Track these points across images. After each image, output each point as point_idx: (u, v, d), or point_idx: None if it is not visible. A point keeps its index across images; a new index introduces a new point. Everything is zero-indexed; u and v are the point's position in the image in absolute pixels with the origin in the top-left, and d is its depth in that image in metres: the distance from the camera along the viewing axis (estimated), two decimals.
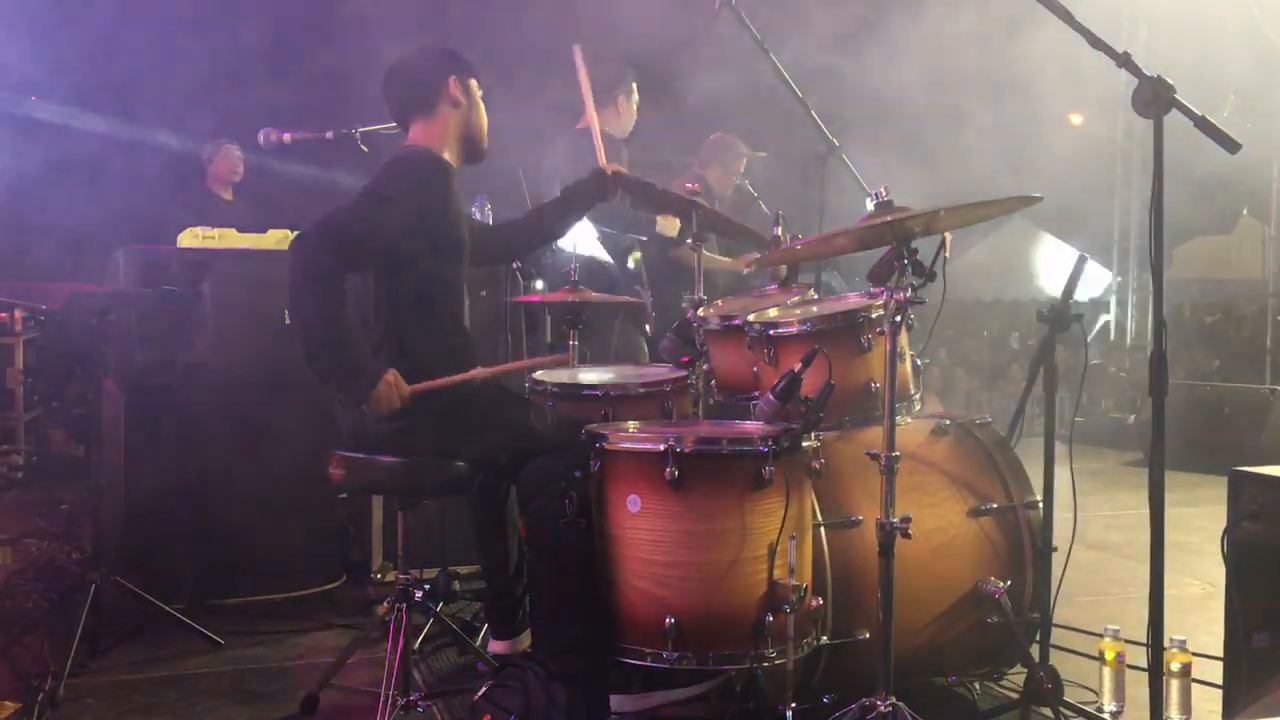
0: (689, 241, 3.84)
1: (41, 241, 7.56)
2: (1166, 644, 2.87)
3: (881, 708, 2.70)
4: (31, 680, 3.43)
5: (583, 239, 4.69)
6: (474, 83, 3.34)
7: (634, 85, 5.36)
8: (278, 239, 4.71)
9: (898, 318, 2.72)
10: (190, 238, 4.70)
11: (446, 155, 3.26)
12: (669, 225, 5.03)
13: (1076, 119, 12.82)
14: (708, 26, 4.83)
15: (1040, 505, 3.24)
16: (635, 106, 5.38)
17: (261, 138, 3.69)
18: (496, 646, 3.54)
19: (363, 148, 3.43)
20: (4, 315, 6.81)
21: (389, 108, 3.34)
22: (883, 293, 2.76)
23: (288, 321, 4.12)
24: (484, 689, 2.83)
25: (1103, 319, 11.32)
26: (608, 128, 5.27)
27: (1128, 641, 3.17)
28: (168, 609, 3.94)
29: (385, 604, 3.15)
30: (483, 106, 3.38)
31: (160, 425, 4.34)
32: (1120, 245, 11.45)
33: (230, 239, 4.70)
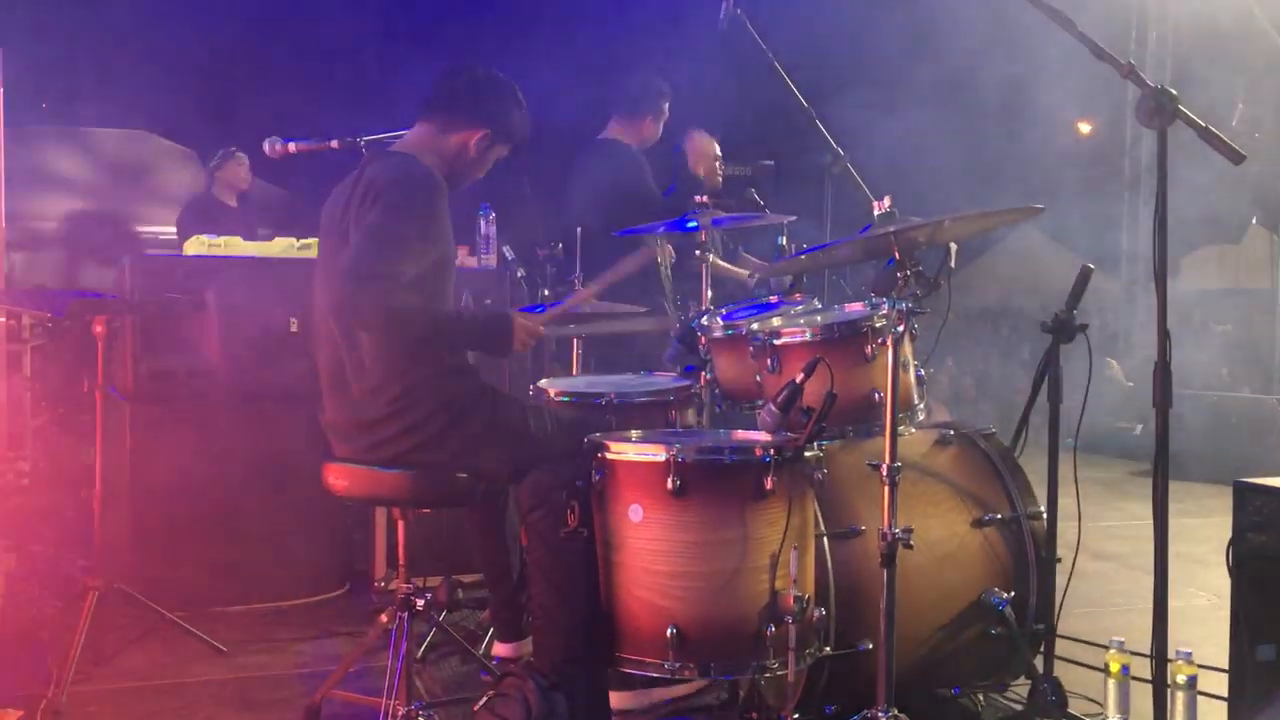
0: (697, 252, 3.84)
1: (48, 248, 7.60)
2: (1172, 656, 2.86)
3: (883, 719, 2.69)
4: (35, 687, 3.44)
5: None
6: (496, 152, 3.25)
7: (665, 107, 5.37)
8: (283, 247, 4.72)
9: (900, 328, 2.71)
10: (196, 245, 4.71)
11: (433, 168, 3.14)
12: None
13: (1085, 127, 12.82)
14: (713, 36, 4.84)
15: (1044, 515, 3.23)
16: (660, 126, 5.40)
17: (266, 147, 3.67)
18: (502, 649, 3.54)
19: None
20: (12, 322, 6.83)
21: (436, 90, 3.22)
22: (885, 303, 2.75)
23: (293, 330, 4.15)
24: (485, 698, 2.83)
25: (1110, 328, 11.28)
26: (626, 139, 5.28)
27: (1133, 653, 3.15)
28: (171, 616, 3.94)
29: (387, 613, 3.14)
30: (482, 172, 3.29)
31: (164, 432, 4.35)
32: (1129, 254, 11.40)
33: (236, 246, 4.71)
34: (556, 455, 2.99)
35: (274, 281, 4.50)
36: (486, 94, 3.24)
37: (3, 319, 6.57)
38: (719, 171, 5.84)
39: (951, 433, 3.45)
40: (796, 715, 2.78)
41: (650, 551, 2.75)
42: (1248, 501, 2.94)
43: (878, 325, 3.05)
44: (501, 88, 3.27)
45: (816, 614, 2.84)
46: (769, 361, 3.18)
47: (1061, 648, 3.37)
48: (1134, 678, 3.15)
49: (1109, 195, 11.19)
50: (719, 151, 5.84)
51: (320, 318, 3.13)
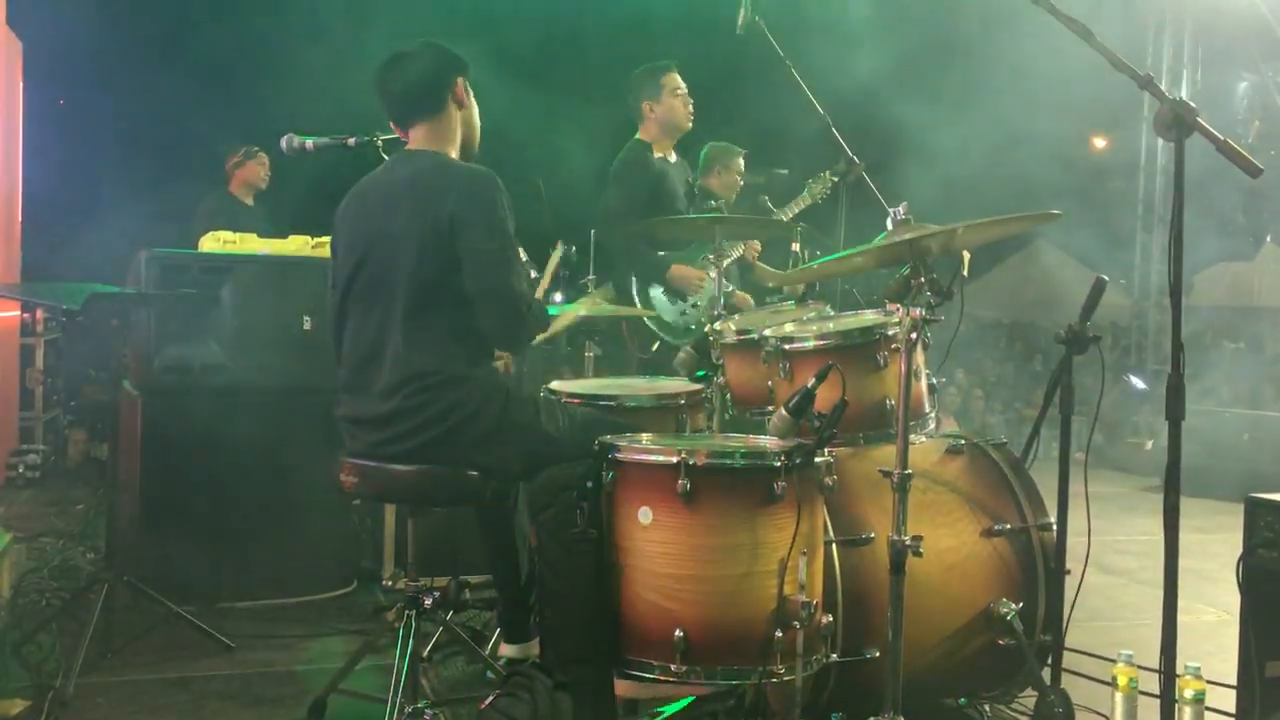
0: (709, 257, 3.83)
1: (64, 241, 7.64)
2: (1180, 671, 2.85)
3: None
4: (43, 678, 3.45)
5: None
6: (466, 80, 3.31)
7: (662, 81, 5.10)
8: (298, 245, 4.74)
9: (913, 335, 2.71)
10: (212, 242, 4.73)
11: (452, 154, 3.22)
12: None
13: (1100, 141, 12.80)
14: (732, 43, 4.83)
15: (1054, 527, 3.22)
16: (681, 99, 5.12)
17: (284, 144, 3.69)
18: (508, 649, 3.53)
19: (384, 155, 3.43)
20: (26, 315, 6.87)
21: (390, 105, 3.24)
22: (899, 310, 2.75)
23: (306, 327, 4.16)
24: (491, 698, 2.83)
25: (1122, 343, 11.26)
26: (646, 136, 5.19)
27: (1141, 667, 3.14)
28: (179, 610, 3.95)
29: (394, 611, 3.14)
30: (476, 118, 3.34)
31: (177, 427, 4.36)
32: (1141, 270, 11.37)
33: (251, 244, 4.73)
34: (568, 455, 2.99)
35: (288, 279, 4.51)
36: (431, 55, 3.25)
37: (17, 312, 6.61)
38: (738, 185, 5.83)
39: (962, 442, 3.45)
40: None
41: (658, 554, 2.74)
42: (1259, 517, 2.94)
43: (890, 333, 3.05)
44: (432, 44, 3.29)
45: (824, 620, 2.84)
46: (781, 367, 3.18)
47: (1069, 660, 3.36)
48: (1141, 692, 3.14)
49: (1123, 211, 11.17)
50: (742, 167, 5.81)
51: (353, 315, 3.14)
